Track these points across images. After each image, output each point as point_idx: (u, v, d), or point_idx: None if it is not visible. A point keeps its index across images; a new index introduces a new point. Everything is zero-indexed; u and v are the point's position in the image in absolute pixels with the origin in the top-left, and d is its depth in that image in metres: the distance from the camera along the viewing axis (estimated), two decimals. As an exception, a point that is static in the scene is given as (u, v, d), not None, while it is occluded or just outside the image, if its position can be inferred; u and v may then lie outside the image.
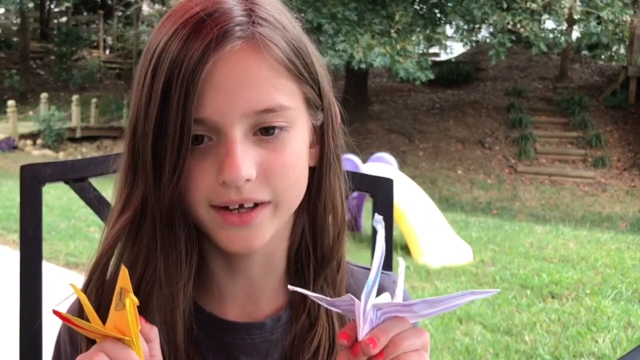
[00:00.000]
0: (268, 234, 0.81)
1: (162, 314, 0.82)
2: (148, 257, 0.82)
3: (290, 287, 0.73)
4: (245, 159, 0.76)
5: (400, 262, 0.79)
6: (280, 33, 0.79)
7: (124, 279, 0.71)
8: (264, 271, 0.89)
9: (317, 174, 0.86)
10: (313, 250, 0.89)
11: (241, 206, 0.78)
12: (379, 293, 0.73)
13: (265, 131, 0.78)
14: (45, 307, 1.19)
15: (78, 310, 0.79)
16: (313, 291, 0.76)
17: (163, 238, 0.81)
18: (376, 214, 0.77)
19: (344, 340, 0.70)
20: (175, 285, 0.82)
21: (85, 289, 0.83)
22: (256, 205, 0.79)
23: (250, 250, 0.81)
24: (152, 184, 0.78)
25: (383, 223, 0.76)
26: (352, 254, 0.96)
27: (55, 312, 0.71)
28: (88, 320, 0.71)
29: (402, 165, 12.67)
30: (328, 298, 0.72)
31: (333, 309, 0.74)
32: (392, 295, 0.75)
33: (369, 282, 0.70)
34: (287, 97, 0.79)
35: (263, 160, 0.78)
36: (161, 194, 0.78)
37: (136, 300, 0.71)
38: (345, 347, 0.71)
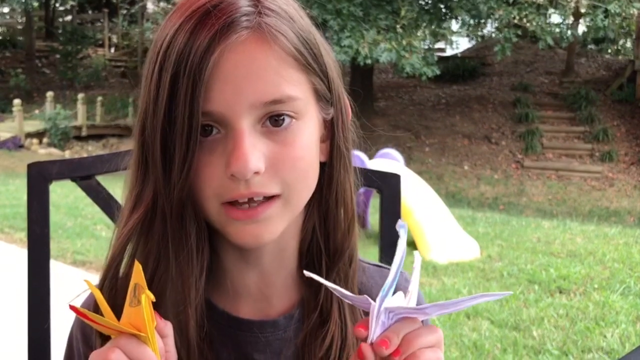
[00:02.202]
0: (278, 228, 0.80)
1: (175, 311, 0.81)
2: (159, 255, 0.81)
3: (306, 272, 0.74)
4: (254, 151, 0.75)
5: (415, 256, 0.78)
6: (288, 24, 0.79)
7: (138, 274, 0.70)
8: (276, 266, 0.89)
9: (328, 169, 0.86)
10: (325, 245, 0.88)
11: (251, 200, 0.77)
12: (394, 291, 0.73)
13: (274, 121, 0.77)
14: (53, 305, 1.19)
15: (92, 307, 0.79)
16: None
17: (174, 234, 0.80)
18: (400, 220, 0.76)
19: (362, 329, 0.71)
20: (186, 281, 0.81)
21: (100, 289, 0.83)
22: (266, 199, 0.78)
23: (260, 244, 0.80)
24: (162, 179, 0.78)
25: (407, 227, 0.75)
26: (359, 250, 0.95)
27: (72, 307, 0.71)
28: (103, 316, 0.71)
29: (409, 161, 12.64)
30: (343, 290, 0.72)
31: (346, 300, 0.74)
32: (405, 293, 0.75)
33: (386, 285, 0.71)
34: (295, 88, 0.78)
35: (272, 153, 0.77)
36: (171, 188, 0.77)
37: (152, 296, 0.70)
38: (361, 340, 0.71)
